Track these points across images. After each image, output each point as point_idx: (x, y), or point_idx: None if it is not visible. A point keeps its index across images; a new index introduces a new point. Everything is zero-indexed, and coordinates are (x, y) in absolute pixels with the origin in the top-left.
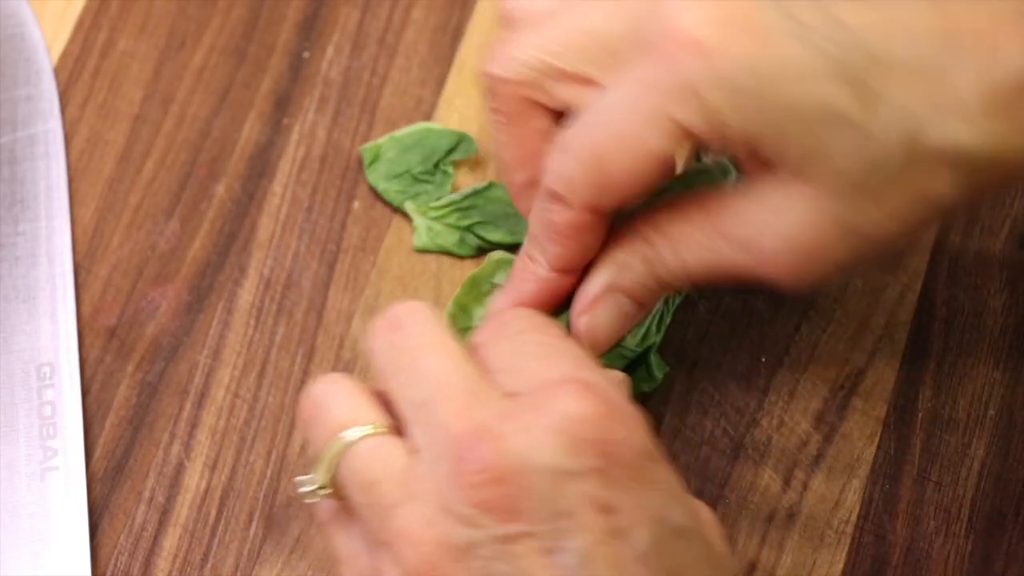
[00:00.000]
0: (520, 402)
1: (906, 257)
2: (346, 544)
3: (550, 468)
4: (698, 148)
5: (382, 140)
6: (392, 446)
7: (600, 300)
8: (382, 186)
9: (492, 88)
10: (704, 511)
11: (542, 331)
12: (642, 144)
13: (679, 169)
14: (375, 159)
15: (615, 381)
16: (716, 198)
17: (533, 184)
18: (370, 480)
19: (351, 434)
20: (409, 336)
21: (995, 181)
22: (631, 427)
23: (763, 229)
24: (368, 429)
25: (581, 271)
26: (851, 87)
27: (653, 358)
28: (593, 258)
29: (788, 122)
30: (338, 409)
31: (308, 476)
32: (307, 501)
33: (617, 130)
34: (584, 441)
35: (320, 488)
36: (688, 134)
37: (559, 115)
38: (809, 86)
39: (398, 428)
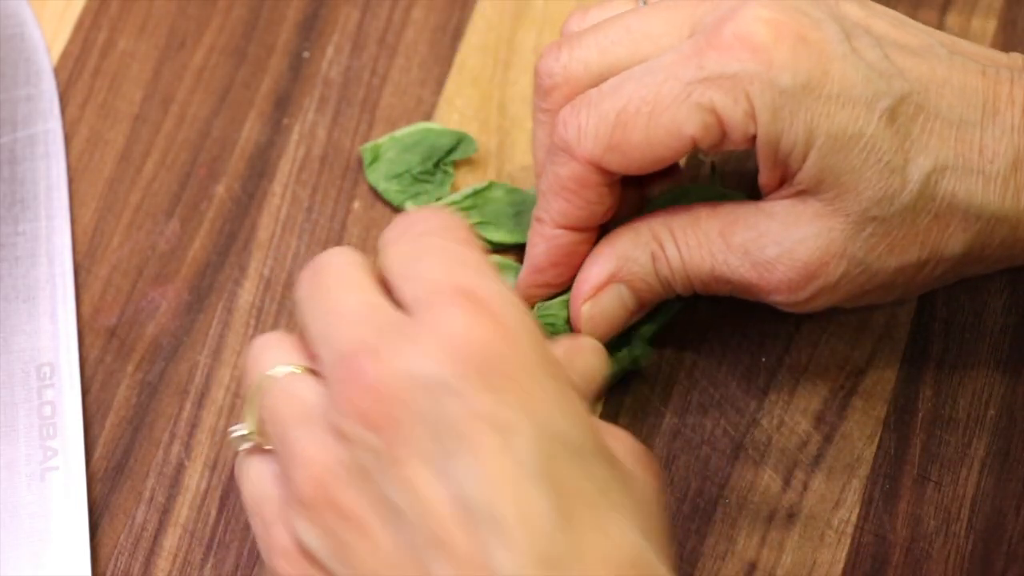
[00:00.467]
0: (408, 319)
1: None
2: (254, 486)
3: (433, 384)
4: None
5: (382, 140)
6: (302, 381)
7: (603, 289)
8: (382, 186)
9: (545, 86)
10: (624, 439)
11: (443, 234)
12: (672, 120)
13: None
14: (375, 159)
15: (509, 294)
16: (729, 208)
17: None
18: (279, 413)
19: (271, 373)
20: (322, 279)
21: (1000, 247)
22: (517, 339)
23: (767, 239)
24: (286, 370)
25: (588, 234)
26: (891, 124)
27: (638, 340)
28: (600, 247)
29: (824, 140)
30: (265, 356)
31: (240, 424)
32: (238, 448)
33: (651, 97)
34: (468, 356)
35: (249, 434)
36: (720, 128)
37: None
38: (853, 112)
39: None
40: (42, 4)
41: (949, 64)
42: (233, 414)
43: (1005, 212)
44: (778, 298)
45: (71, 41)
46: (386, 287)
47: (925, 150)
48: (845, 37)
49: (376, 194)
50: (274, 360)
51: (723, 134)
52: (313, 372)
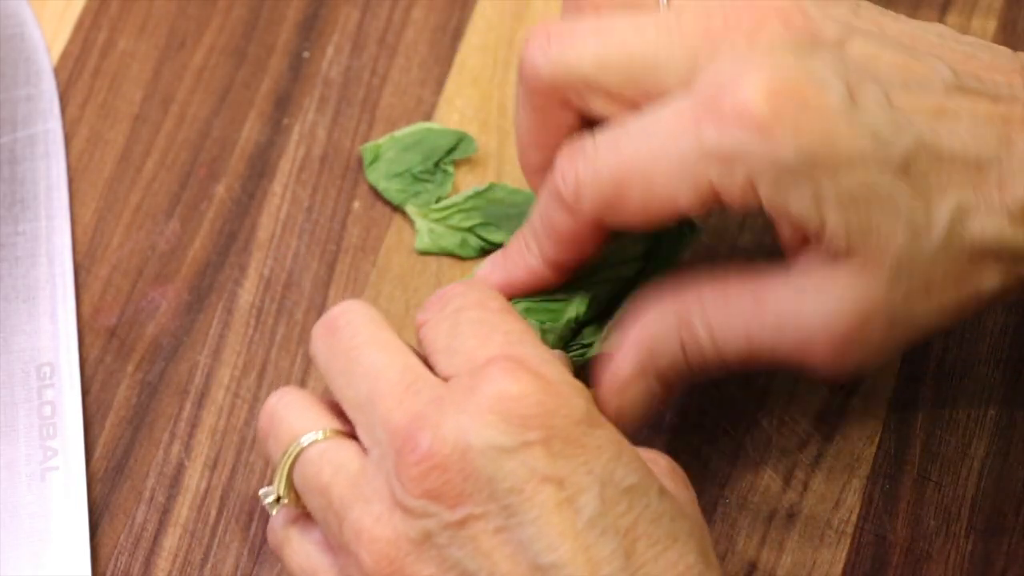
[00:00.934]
0: (454, 386)
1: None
2: (303, 559)
3: (488, 447)
4: None
5: (382, 140)
6: (342, 449)
7: (632, 382)
8: (382, 185)
9: (529, 81)
10: (659, 462)
11: (480, 307)
12: (669, 191)
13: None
14: (375, 159)
15: (549, 355)
16: (758, 275)
17: (547, 167)
18: (323, 484)
19: (303, 440)
20: (343, 337)
21: None
22: (563, 394)
23: (803, 309)
24: (319, 435)
25: (571, 270)
26: (905, 176)
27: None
28: (627, 334)
29: (837, 206)
30: (291, 419)
31: (268, 487)
32: (271, 513)
33: (649, 168)
34: (519, 416)
35: (279, 499)
36: (718, 199)
37: (586, 117)
38: (864, 173)
39: (351, 432)
40: (42, 4)
41: (960, 96)
42: (233, 414)
43: None
44: (823, 370)
45: (71, 41)
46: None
47: (944, 194)
48: (848, 94)
49: (376, 194)
50: (302, 424)
51: (721, 204)
52: (345, 434)
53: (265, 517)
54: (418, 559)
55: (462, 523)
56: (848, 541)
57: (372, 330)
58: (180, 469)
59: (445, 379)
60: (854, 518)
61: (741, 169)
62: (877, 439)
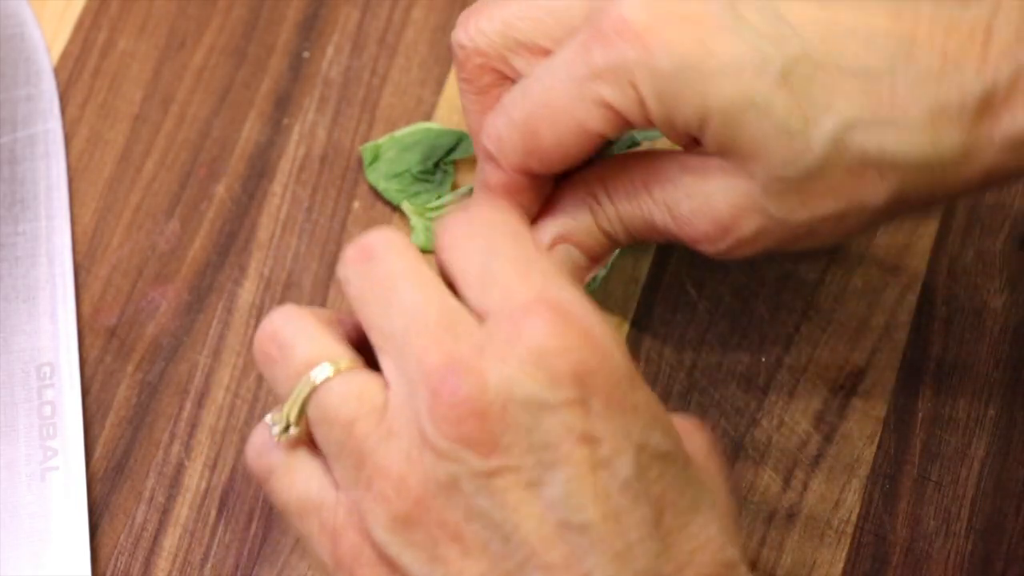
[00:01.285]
0: (494, 332)
1: (849, 244)
2: (304, 491)
3: (529, 401)
4: None
5: (382, 140)
6: (366, 382)
7: (552, 251)
8: (382, 185)
9: (459, 57)
10: (695, 434)
11: (516, 238)
12: (572, 118)
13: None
14: (375, 159)
15: (588, 302)
16: (653, 159)
17: None
18: (346, 418)
19: (320, 372)
20: (381, 265)
21: (927, 192)
22: (607, 353)
23: (682, 193)
24: (338, 365)
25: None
26: (784, 88)
27: None
28: (542, 212)
29: (716, 114)
30: (304, 345)
31: (274, 414)
32: (278, 440)
33: (551, 100)
34: (561, 372)
35: (288, 427)
36: (620, 118)
37: None
38: (741, 82)
39: (366, 361)
40: (42, 4)
41: (856, 9)
42: (233, 414)
43: (925, 160)
44: (702, 248)
45: (71, 41)
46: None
47: (828, 109)
48: (729, 5)
49: (376, 194)
50: (317, 351)
51: (625, 122)
52: (359, 363)
53: (265, 515)
54: (445, 503)
55: (493, 473)
56: (848, 541)
57: (411, 261)
58: (180, 469)
59: (478, 314)
60: (854, 518)
61: (628, 82)
62: (877, 439)
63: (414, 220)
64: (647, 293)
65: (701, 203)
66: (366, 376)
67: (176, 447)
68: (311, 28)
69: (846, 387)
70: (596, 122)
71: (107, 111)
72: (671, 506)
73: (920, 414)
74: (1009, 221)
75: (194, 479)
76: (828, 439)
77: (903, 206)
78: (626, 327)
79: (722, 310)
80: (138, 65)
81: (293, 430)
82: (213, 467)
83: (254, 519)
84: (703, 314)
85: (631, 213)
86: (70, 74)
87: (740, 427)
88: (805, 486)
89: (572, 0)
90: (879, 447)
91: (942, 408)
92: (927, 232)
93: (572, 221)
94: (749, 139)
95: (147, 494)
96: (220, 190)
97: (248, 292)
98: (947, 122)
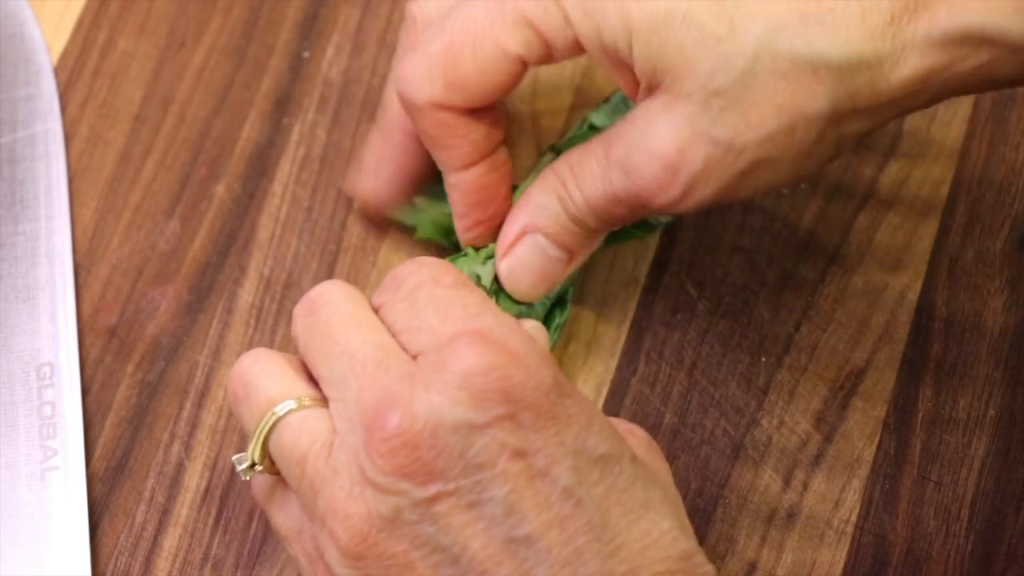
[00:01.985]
0: (422, 363)
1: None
2: (287, 521)
3: (458, 424)
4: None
5: (414, 203)
6: (318, 419)
7: (518, 242)
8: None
9: (406, 30)
10: (636, 432)
11: (435, 283)
12: (495, 43)
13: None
14: (416, 220)
15: (511, 324)
16: (611, 130)
17: (491, 220)
18: (299, 455)
19: (280, 409)
20: (321, 317)
21: (868, 97)
22: (531, 367)
23: (630, 144)
24: (293, 404)
25: (491, 164)
26: None
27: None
28: (514, 204)
29: (640, 25)
30: (266, 384)
31: (242, 454)
32: (245, 479)
33: (471, 26)
34: (486, 391)
35: (253, 465)
36: (543, 40)
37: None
38: None
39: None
40: (42, 4)
41: None
42: (233, 414)
43: (856, 56)
44: (659, 202)
45: (71, 41)
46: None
47: (753, 14)
48: None
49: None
50: (279, 390)
51: (548, 46)
52: (321, 401)
53: (265, 516)
54: (390, 536)
55: (433, 500)
56: (848, 541)
57: (350, 308)
58: (180, 469)
59: (414, 357)
60: (854, 518)
61: (552, 2)
62: (877, 439)
63: (422, 205)
64: (647, 293)
65: (647, 146)
66: (321, 413)
67: (176, 447)
68: (311, 28)
69: (846, 387)
70: (517, 44)
71: (107, 111)
72: (617, 506)
73: (920, 414)
74: (1009, 221)
75: (194, 479)
76: (828, 439)
77: (847, 115)
78: (626, 327)
79: (722, 310)
80: (138, 65)
81: (258, 467)
82: (213, 467)
83: (254, 519)
84: (703, 314)
85: (594, 189)
86: (70, 74)
87: (740, 427)
88: (805, 486)
89: None
90: (879, 447)
91: (942, 408)
92: (927, 232)
93: (541, 210)
94: (677, 50)
95: (147, 494)
96: (220, 190)
97: (248, 292)
98: (877, 17)
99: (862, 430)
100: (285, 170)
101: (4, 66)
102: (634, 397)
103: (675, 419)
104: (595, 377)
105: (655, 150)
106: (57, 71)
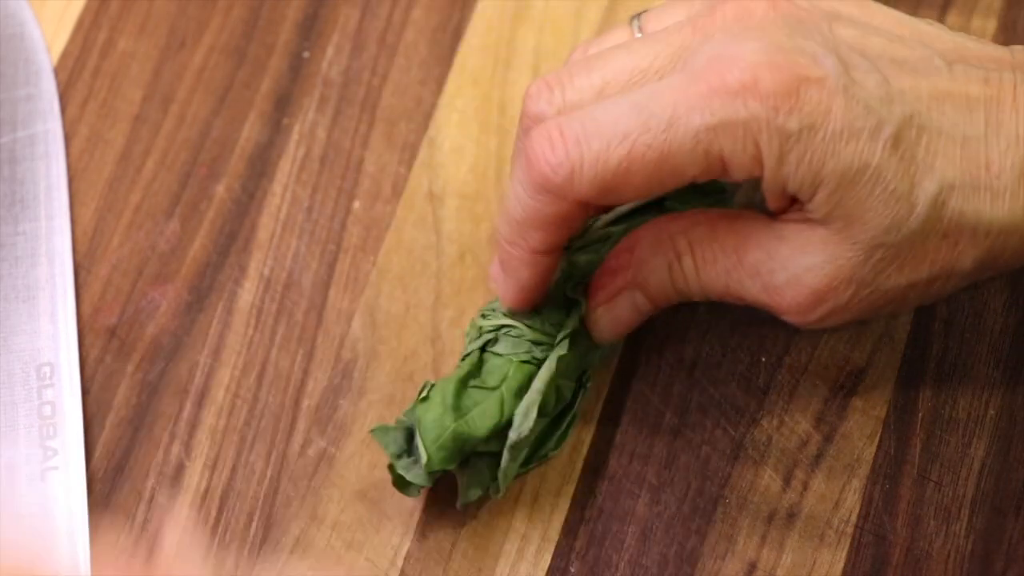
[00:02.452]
0: None
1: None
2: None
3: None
4: None
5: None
6: None
7: (618, 296)
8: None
9: (541, 194)
10: None
11: None
12: (679, 166)
13: None
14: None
15: None
16: (744, 223)
17: (552, 247)
18: None
19: None
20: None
21: (1010, 256)
22: None
23: (776, 263)
24: None
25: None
26: (895, 151)
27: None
28: (620, 250)
29: (830, 179)
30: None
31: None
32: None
33: (661, 144)
34: None
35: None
36: (723, 169)
37: None
38: (857, 146)
39: None
40: (42, 4)
41: (950, 77)
42: (233, 414)
43: (1016, 225)
44: (789, 318)
45: (71, 41)
46: None
47: (931, 172)
48: (844, 69)
49: (376, 194)
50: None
51: (724, 173)
52: None
53: (265, 515)
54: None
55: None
56: (848, 541)
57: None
58: (180, 469)
59: None
60: (854, 518)
61: (751, 139)
62: (877, 439)
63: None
64: None
65: (798, 274)
66: None
67: (176, 447)
68: (311, 28)
69: (846, 387)
70: (698, 170)
71: (107, 111)
72: None
73: (920, 414)
74: None
75: (194, 479)
76: (828, 439)
77: (985, 271)
78: None
79: (722, 310)
80: (138, 65)
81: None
82: (213, 467)
83: (254, 519)
84: (703, 314)
85: (715, 278)
86: (70, 74)
87: (740, 427)
88: (805, 486)
89: (664, 56)
90: (879, 447)
91: (942, 408)
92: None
93: (650, 273)
94: (858, 203)
95: (147, 494)
96: (220, 190)
97: (248, 292)
98: None
99: (862, 430)
100: (285, 170)
101: (4, 66)
102: (634, 397)
103: (675, 419)
104: (595, 377)
105: (807, 281)
106: (57, 71)
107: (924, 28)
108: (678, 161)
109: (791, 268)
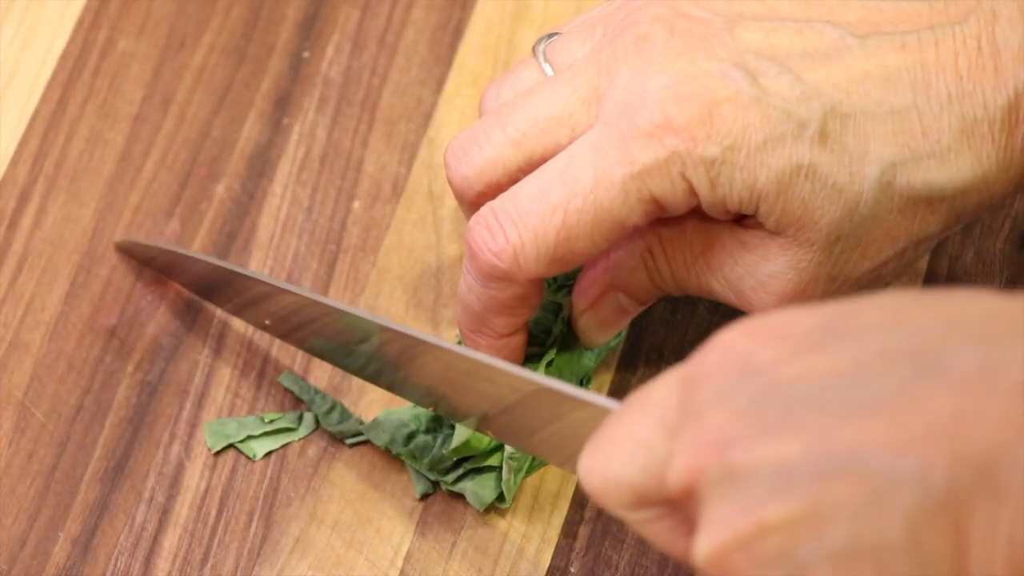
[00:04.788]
0: None
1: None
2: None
3: None
4: None
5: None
6: None
7: (602, 299)
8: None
9: (467, 201)
10: None
11: None
12: (617, 218)
13: None
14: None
15: None
16: (713, 231)
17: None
18: None
19: None
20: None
21: (973, 209)
22: None
23: (742, 270)
24: None
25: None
26: (824, 145)
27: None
28: (601, 258)
29: (767, 189)
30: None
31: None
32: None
33: (591, 207)
34: None
35: None
36: (662, 208)
37: None
38: (784, 150)
39: None
40: (42, 4)
41: (863, 54)
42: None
43: (968, 182)
44: None
45: (71, 41)
46: None
47: (867, 156)
48: (753, 79)
49: (376, 194)
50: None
51: (664, 212)
52: None
53: (265, 515)
54: None
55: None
56: None
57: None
58: (180, 469)
59: None
60: None
61: (678, 175)
62: None
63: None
64: None
65: (764, 281)
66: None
67: (176, 447)
68: (311, 28)
69: None
70: (638, 217)
71: (107, 111)
72: None
73: None
74: (1009, 221)
75: (194, 479)
76: None
77: (953, 228)
78: (625, 328)
79: (722, 310)
80: (138, 65)
81: None
82: (213, 467)
83: (254, 519)
84: (703, 314)
85: (687, 277)
86: (70, 74)
87: None
88: None
89: (575, 100)
90: None
91: None
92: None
93: (628, 274)
94: (802, 204)
95: (147, 494)
96: (220, 190)
97: None
98: (980, 140)
99: None
100: (285, 170)
101: None
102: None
103: None
104: (596, 378)
105: (772, 288)
106: (57, 71)
107: (833, 4)
108: (614, 216)
109: (756, 275)
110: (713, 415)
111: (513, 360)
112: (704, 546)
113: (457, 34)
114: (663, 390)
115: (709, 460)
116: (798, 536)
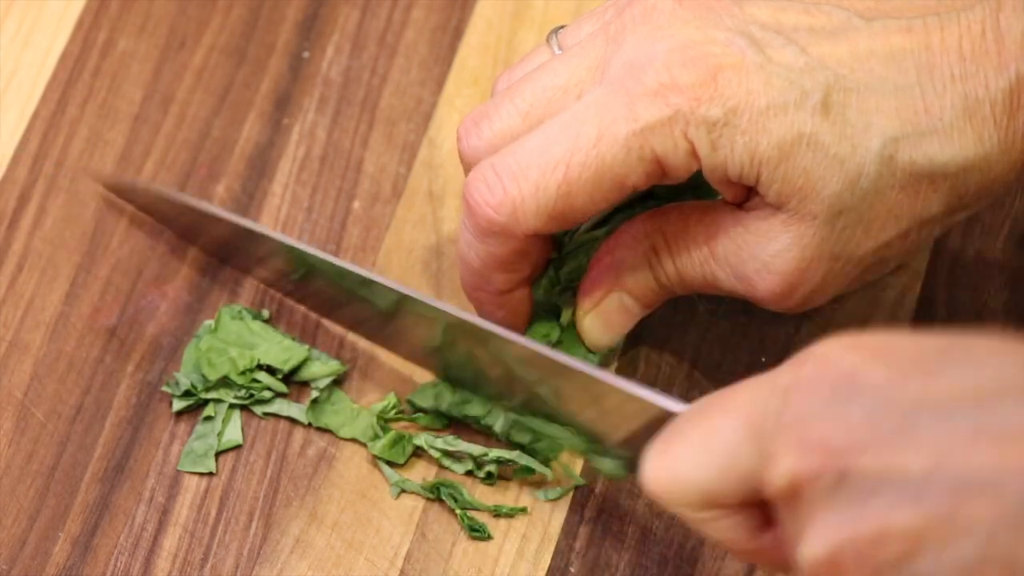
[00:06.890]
0: None
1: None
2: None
3: None
4: None
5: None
6: None
7: (605, 299)
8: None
9: (469, 165)
10: None
11: None
12: (618, 176)
13: None
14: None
15: None
16: (715, 219)
17: (515, 285)
18: None
19: None
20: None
21: (977, 192)
22: None
23: (745, 253)
24: None
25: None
26: (826, 117)
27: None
28: (601, 254)
29: (768, 156)
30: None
31: None
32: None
33: (593, 161)
34: None
35: None
36: (662, 170)
37: None
38: (786, 119)
39: None
40: (42, 4)
41: (869, 33)
42: None
43: (970, 160)
44: (771, 307)
45: (71, 41)
46: None
47: (868, 129)
48: (758, 48)
49: (376, 194)
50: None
51: (664, 175)
52: None
53: (265, 515)
54: None
55: None
56: None
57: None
58: (180, 469)
59: None
60: None
61: (680, 134)
62: None
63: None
64: None
65: (767, 262)
66: None
67: (176, 447)
68: (311, 28)
69: None
70: (638, 177)
71: (107, 111)
72: None
73: None
74: (1009, 221)
75: (194, 479)
76: None
77: (956, 213)
78: None
79: (722, 310)
80: (138, 65)
81: None
82: (213, 467)
83: (254, 519)
84: (703, 314)
85: (692, 271)
86: (70, 74)
87: None
88: None
89: (582, 70)
90: None
91: None
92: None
93: (631, 272)
94: (803, 174)
95: (147, 494)
96: (220, 190)
97: (248, 293)
98: (982, 120)
99: None
100: (285, 170)
101: None
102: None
103: None
104: None
105: (775, 268)
106: (57, 71)
107: None
108: (615, 173)
109: (760, 256)
110: (823, 424)
111: (517, 316)
112: (814, 548)
113: (457, 34)
114: (749, 396)
115: (823, 465)
116: (922, 546)
